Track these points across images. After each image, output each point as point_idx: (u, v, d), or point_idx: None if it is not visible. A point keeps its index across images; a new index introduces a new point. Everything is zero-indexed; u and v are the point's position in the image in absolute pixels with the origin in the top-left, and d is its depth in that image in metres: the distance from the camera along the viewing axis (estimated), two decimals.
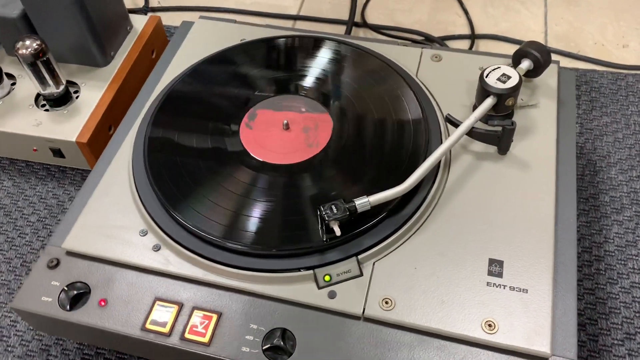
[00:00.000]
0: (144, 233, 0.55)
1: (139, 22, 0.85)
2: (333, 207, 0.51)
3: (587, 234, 0.68)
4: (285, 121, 0.61)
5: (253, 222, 0.54)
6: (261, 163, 0.59)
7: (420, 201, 0.55)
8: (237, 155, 0.60)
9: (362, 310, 0.50)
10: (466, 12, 0.95)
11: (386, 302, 0.50)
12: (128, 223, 0.56)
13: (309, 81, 0.66)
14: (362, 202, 0.51)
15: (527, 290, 0.50)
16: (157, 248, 0.54)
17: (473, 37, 0.91)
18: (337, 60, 0.67)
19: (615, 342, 0.60)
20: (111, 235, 0.55)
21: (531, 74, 0.64)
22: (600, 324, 0.61)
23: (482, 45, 0.91)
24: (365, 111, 0.62)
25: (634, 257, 0.66)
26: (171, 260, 0.54)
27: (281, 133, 0.61)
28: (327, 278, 0.51)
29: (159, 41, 0.87)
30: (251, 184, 0.57)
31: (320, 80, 0.66)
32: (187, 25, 0.76)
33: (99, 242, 0.55)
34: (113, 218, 0.57)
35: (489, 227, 0.54)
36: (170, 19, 0.99)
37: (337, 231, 0.50)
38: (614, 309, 0.62)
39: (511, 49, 0.90)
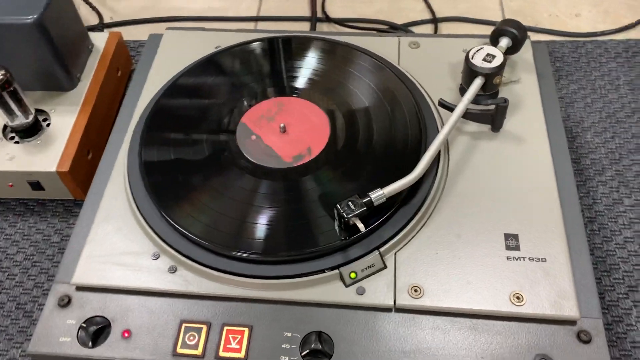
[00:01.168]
0: (156, 256, 0.54)
1: (99, 40, 0.82)
2: (350, 203, 0.51)
3: None
4: (282, 124, 0.60)
5: (269, 229, 0.54)
6: (264, 169, 0.58)
7: (429, 187, 0.56)
8: (239, 164, 0.59)
9: (393, 302, 0.50)
10: None
11: (415, 290, 0.51)
12: (137, 248, 0.54)
13: (300, 81, 0.65)
14: (378, 195, 0.52)
15: (545, 259, 0.52)
16: (172, 270, 0.53)
17: (435, 21, 0.93)
18: (325, 58, 0.67)
19: (621, 296, 0.63)
20: (122, 263, 0.53)
21: (510, 51, 0.65)
22: (604, 281, 0.64)
23: (445, 27, 0.93)
24: (360, 106, 0.62)
25: (622, 213, 0.69)
26: (190, 279, 0.52)
27: (279, 137, 0.60)
28: (352, 275, 0.51)
29: (123, 58, 0.84)
30: (259, 192, 0.56)
31: (310, 79, 0.65)
32: (155, 38, 0.74)
33: (110, 272, 0.53)
34: (120, 245, 0.54)
35: (497, 203, 0.56)
36: (125, 34, 0.95)
37: (362, 227, 0.50)
38: (613, 265, 0.65)
39: (473, 29, 0.92)
